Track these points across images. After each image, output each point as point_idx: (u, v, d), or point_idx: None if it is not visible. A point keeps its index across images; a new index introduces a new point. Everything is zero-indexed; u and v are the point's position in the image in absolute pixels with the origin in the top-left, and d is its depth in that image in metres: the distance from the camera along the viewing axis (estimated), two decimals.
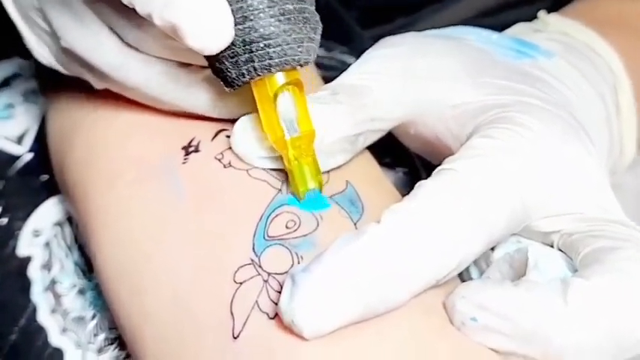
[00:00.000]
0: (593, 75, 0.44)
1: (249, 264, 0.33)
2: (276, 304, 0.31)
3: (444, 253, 0.31)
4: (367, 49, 0.41)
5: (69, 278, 0.46)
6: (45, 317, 0.45)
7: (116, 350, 0.43)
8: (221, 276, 0.33)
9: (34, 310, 0.45)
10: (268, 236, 0.34)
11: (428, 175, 0.49)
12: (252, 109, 0.36)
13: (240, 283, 0.33)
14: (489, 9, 0.61)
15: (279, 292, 0.31)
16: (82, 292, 0.46)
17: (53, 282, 0.46)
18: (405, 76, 0.38)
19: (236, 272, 0.33)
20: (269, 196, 0.35)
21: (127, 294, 0.36)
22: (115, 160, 0.39)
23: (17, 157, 0.50)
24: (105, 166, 0.39)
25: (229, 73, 0.34)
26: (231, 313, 0.32)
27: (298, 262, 0.33)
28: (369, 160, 0.41)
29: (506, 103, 0.37)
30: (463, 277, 0.37)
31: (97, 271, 0.38)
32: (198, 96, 0.37)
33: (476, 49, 0.41)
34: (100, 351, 0.43)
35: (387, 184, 0.40)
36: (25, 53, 0.53)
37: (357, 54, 0.48)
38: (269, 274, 0.33)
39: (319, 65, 0.50)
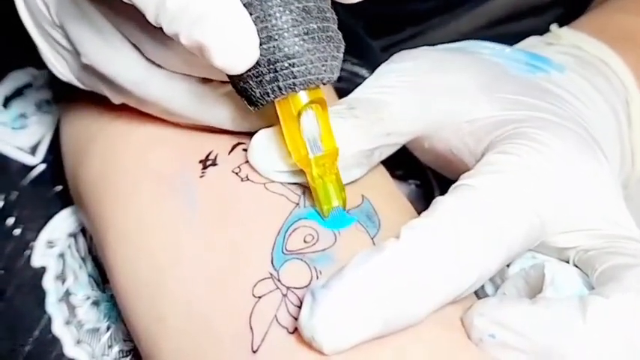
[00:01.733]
0: (606, 88, 0.45)
1: (268, 278, 0.33)
2: (295, 318, 0.32)
3: (463, 270, 0.32)
4: (378, 60, 0.41)
5: (83, 290, 0.46)
6: (59, 328, 0.45)
7: None
8: (239, 290, 0.33)
9: (49, 320, 0.45)
10: (287, 250, 0.34)
11: (440, 187, 0.50)
12: (272, 123, 0.36)
13: (259, 297, 0.33)
14: (498, 19, 0.62)
15: (299, 307, 0.31)
16: (96, 303, 0.46)
17: (68, 293, 0.46)
18: (422, 90, 0.39)
19: (255, 286, 0.33)
20: (287, 210, 0.36)
21: (143, 308, 0.36)
22: (132, 174, 0.39)
23: (31, 168, 0.50)
24: (121, 180, 0.39)
25: (253, 92, 0.34)
26: (251, 327, 0.32)
27: (317, 277, 0.33)
28: (383, 174, 0.41)
29: (521, 119, 0.37)
30: (478, 293, 0.37)
31: (113, 284, 0.39)
32: (220, 111, 0.37)
33: (490, 63, 0.41)
34: None
35: (401, 198, 0.40)
36: (39, 63, 0.54)
37: (369, 65, 0.48)
38: (288, 288, 0.33)
39: None
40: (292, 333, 0.32)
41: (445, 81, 0.39)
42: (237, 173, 0.37)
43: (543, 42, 0.48)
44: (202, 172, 0.37)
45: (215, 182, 0.37)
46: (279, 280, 0.33)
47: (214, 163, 0.38)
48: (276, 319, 0.32)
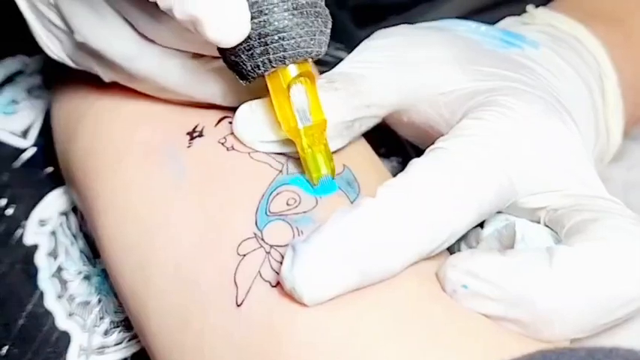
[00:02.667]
0: (579, 64, 0.46)
1: (252, 238, 0.35)
2: (277, 273, 0.33)
3: (436, 225, 0.33)
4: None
5: (75, 265, 0.47)
6: (51, 302, 0.46)
7: (121, 333, 0.45)
8: (225, 249, 0.35)
9: (41, 295, 0.46)
10: (270, 212, 0.36)
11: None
12: (261, 97, 0.38)
13: (244, 255, 0.34)
14: (480, 7, 0.63)
15: (281, 263, 0.33)
16: (87, 278, 0.47)
17: (59, 269, 0.47)
18: (398, 64, 0.40)
19: (239, 245, 0.35)
20: (270, 176, 0.37)
21: (131, 270, 0.38)
22: (119, 147, 0.40)
23: (22, 151, 0.52)
24: (109, 152, 0.41)
25: (244, 65, 0.35)
26: (235, 283, 0.34)
27: (299, 235, 0.35)
28: (364, 145, 0.42)
29: (493, 88, 0.39)
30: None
31: (102, 250, 0.40)
32: (211, 87, 0.39)
33: (465, 39, 0.43)
34: (105, 333, 0.45)
35: (381, 168, 0.42)
36: (29, 50, 0.55)
37: (351, 50, 0.50)
38: (271, 246, 0.35)
39: (316, 61, 0.51)
40: (275, 286, 0.33)
41: (421, 55, 0.41)
42: (222, 143, 0.38)
43: (519, 22, 0.50)
44: (189, 143, 0.39)
45: (202, 151, 0.38)
46: (262, 240, 0.35)
47: (201, 135, 0.39)
48: (260, 275, 0.34)
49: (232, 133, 0.38)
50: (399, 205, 0.33)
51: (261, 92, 0.37)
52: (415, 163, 0.35)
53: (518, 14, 0.53)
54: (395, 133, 0.45)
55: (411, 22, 0.65)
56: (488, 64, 0.41)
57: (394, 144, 0.51)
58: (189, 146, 0.39)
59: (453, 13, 0.63)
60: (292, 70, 0.36)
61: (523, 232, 0.35)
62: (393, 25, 0.64)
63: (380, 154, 0.48)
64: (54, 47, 0.41)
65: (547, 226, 0.37)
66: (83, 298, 0.46)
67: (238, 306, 0.33)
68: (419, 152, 0.50)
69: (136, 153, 0.39)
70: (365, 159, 0.41)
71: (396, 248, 0.32)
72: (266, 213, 0.36)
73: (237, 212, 0.36)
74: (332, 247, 0.31)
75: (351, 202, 0.37)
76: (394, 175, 0.46)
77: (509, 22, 0.50)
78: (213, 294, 0.34)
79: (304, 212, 0.36)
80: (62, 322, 0.45)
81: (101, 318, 0.45)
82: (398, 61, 0.40)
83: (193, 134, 0.39)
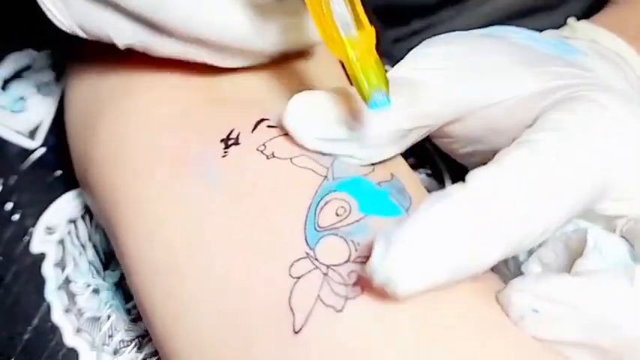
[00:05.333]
0: (622, 81, 0.44)
1: (305, 258, 0.32)
2: (342, 297, 0.31)
3: (530, 219, 0.31)
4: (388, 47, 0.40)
5: (83, 277, 0.45)
6: (59, 317, 0.43)
7: (133, 352, 0.42)
8: (275, 272, 0.32)
9: (48, 309, 0.43)
10: (319, 227, 0.33)
11: (452, 175, 0.49)
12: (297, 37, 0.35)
13: (298, 278, 0.31)
14: (509, 14, 0.61)
15: (343, 284, 0.30)
16: (96, 291, 0.44)
17: (67, 281, 0.44)
18: (462, 71, 0.37)
19: (291, 266, 0.32)
20: (315, 184, 0.34)
21: (162, 295, 0.34)
22: (147, 154, 0.37)
23: (30, 152, 0.49)
24: (136, 159, 0.37)
25: None
26: (291, 308, 0.31)
27: (355, 250, 0.32)
28: (402, 157, 0.40)
29: (572, 84, 0.37)
30: (499, 268, 0.36)
31: (127, 270, 0.37)
32: (240, 21, 0.35)
33: (522, 45, 0.40)
34: (115, 353, 0.42)
35: (418, 179, 0.39)
36: (38, 45, 0.53)
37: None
38: (328, 266, 0.32)
39: None
40: (340, 311, 0.31)
41: (484, 61, 0.38)
42: (262, 151, 0.35)
43: (559, 35, 0.47)
44: (224, 152, 0.35)
45: (238, 162, 0.35)
46: (316, 259, 0.32)
47: (237, 142, 0.36)
48: (320, 299, 0.31)
49: (272, 139, 0.35)
50: (491, 195, 0.31)
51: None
52: (505, 154, 0.33)
53: (549, 24, 0.51)
54: (422, 144, 0.42)
55: (436, 26, 0.63)
56: (555, 64, 0.39)
57: (423, 155, 0.49)
58: (224, 156, 0.35)
59: (480, 20, 0.61)
60: None
61: (596, 241, 0.33)
62: (416, 31, 0.63)
63: (410, 166, 0.46)
64: (61, 15, 0.37)
65: (623, 237, 0.35)
66: (92, 313, 0.44)
67: (296, 333, 0.30)
68: (448, 165, 0.48)
69: (165, 163, 0.36)
70: (407, 169, 0.38)
71: (488, 240, 0.30)
72: (315, 228, 0.33)
73: (283, 229, 0.33)
74: (426, 237, 0.29)
75: (406, 211, 0.34)
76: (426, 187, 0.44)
77: (548, 35, 0.48)
78: (263, 323, 0.31)
79: (357, 221, 0.33)
80: (70, 339, 0.43)
81: (110, 336, 0.43)
82: (461, 68, 0.38)
83: (228, 141, 0.36)
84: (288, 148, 0.35)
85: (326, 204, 0.33)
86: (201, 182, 0.35)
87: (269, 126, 0.36)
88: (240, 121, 0.36)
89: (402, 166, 0.37)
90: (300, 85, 0.39)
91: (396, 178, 0.35)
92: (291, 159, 0.35)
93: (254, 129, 0.36)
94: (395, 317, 0.31)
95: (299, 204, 0.33)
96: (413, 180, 0.37)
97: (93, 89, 0.42)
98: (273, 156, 0.35)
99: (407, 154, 0.42)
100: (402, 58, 0.38)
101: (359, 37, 0.32)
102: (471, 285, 0.32)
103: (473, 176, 0.31)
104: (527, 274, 0.35)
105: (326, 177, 0.34)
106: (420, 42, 0.40)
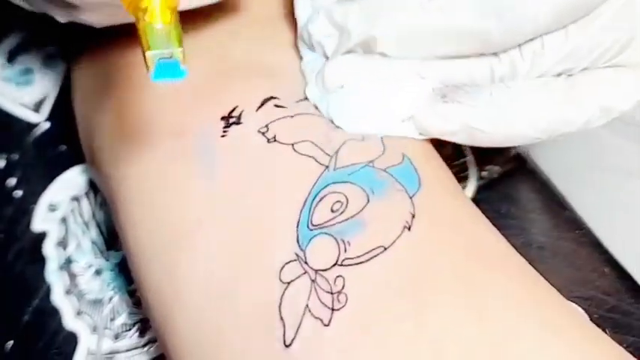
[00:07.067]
0: None
1: (295, 260, 0.29)
2: (328, 308, 0.28)
3: None
4: None
5: (85, 257, 0.43)
6: (59, 298, 0.42)
7: (135, 337, 0.41)
8: (265, 274, 0.30)
9: (48, 289, 0.42)
10: (312, 225, 0.30)
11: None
12: None
13: (288, 283, 0.29)
14: None
15: (329, 293, 0.28)
16: (98, 272, 0.43)
17: (69, 261, 0.43)
18: None
19: (281, 270, 0.29)
20: (315, 175, 0.31)
21: (160, 275, 0.32)
22: (150, 129, 0.35)
23: (34, 126, 0.47)
24: (138, 133, 0.35)
25: None
26: (281, 318, 0.29)
27: (345, 251, 0.29)
28: (425, 141, 0.37)
29: None
30: None
31: (127, 248, 0.35)
32: None
33: None
34: (116, 337, 0.41)
35: (438, 158, 0.37)
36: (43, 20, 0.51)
37: None
38: (316, 271, 0.29)
39: None
40: (327, 325, 0.28)
41: None
42: (263, 133, 0.33)
43: None
44: (224, 131, 0.33)
45: (237, 143, 0.33)
46: (306, 263, 0.29)
47: (238, 121, 0.33)
48: (309, 310, 0.28)
49: (277, 120, 0.33)
50: None
51: None
52: None
53: None
54: None
55: None
56: None
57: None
58: (223, 135, 0.33)
59: None
60: None
61: None
62: None
63: None
64: None
65: None
66: (94, 295, 0.42)
67: (287, 347, 0.28)
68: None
69: (166, 141, 0.34)
70: (424, 149, 0.35)
71: None
72: (308, 226, 0.30)
73: (276, 225, 0.30)
74: None
75: (410, 197, 0.31)
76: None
77: None
78: (254, 327, 0.29)
79: (352, 216, 0.30)
80: (70, 321, 0.41)
81: (112, 319, 0.41)
82: None
83: (229, 119, 0.33)
84: (292, 132, 0.33)
85: (323, 198, 0.31)
86: (200, 165, 0.33)
87: (276, 105, 0.34)
88: (245, 98, 0.34)
89: (415, 145, 0.34)
90: None
91: (407, 159, 0.33)
92: (293, 145, 0.32)
93: (259, 107, 0.34)
94: (382, 330, 0.28)
95: (294, 198, 0.31)
96: (428, 160, 0.34)
97: (100, 62, 0.40)
98: (275, 140, 0.32)
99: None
100: None
101: None
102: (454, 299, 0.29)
103: None
104: None
105: (327, 167, 0.32)
106: None
